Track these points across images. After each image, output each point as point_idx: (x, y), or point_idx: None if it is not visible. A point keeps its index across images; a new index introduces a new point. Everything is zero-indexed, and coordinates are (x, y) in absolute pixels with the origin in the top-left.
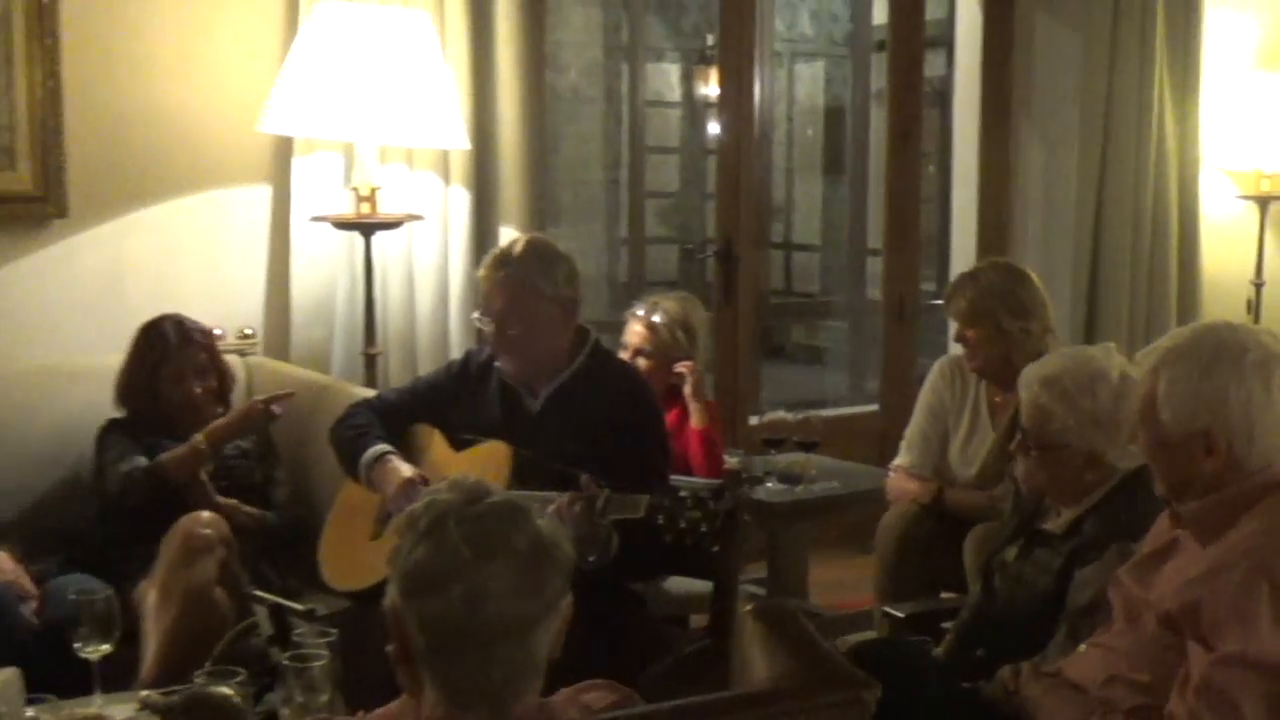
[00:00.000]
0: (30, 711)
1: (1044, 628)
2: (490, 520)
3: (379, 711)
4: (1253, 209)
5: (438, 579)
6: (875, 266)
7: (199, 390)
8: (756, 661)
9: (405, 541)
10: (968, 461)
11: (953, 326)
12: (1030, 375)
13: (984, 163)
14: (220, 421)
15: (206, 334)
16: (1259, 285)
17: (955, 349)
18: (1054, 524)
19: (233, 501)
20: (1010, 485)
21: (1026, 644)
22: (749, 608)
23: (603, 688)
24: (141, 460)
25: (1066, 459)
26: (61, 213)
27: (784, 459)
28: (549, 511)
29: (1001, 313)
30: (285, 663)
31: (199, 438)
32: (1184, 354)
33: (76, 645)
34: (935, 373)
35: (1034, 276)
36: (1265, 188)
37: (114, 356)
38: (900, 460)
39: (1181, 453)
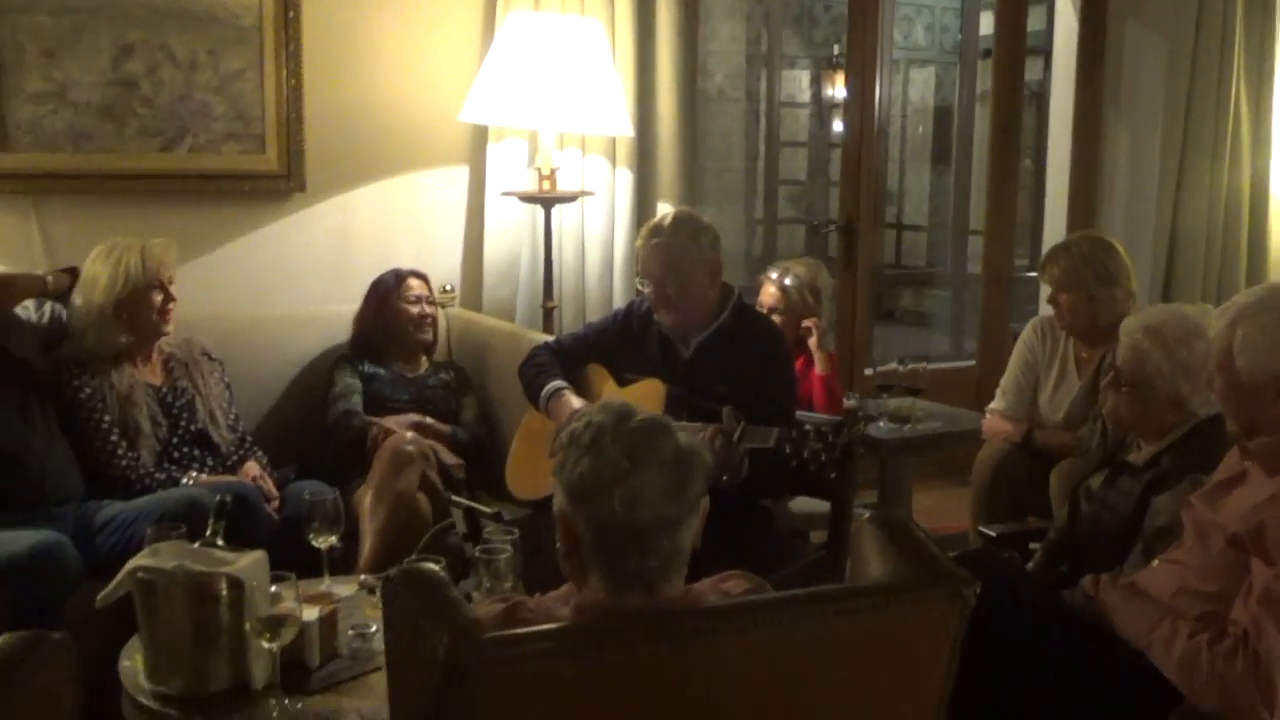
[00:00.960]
0: (274, 586)
1: (1122, 546)
2: (640, 435)
3: (551, 594)
4: None
5: (601, 487)
6: (975, 245)
7: (416, 312)
8: (871, 561)
9: (570, 456)
10: (1055, 407)
11: (1045, 291)
12: (1134, 323)
13: (1075, 156)
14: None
15: (421, 275)
16: None
17: (1046, 311)
18: (1136, 457)
19: (427, 419)
20: (1094, 426)
21: (1106, 560)
22: (868, 515)
23: (739, 577)
24: (358, 400)
25: (1154, 398)
26: (301, 188)
27: (894, 402)
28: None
29: (1091, 280)
30: (477, 555)
31: (405, 432)
32: (1258, 309)
33: (309, 536)
34: (1029, 330)
35: (1120, 248)
36: None
37: (341, 305)
38: (995, 405)
39: (1254, 395)
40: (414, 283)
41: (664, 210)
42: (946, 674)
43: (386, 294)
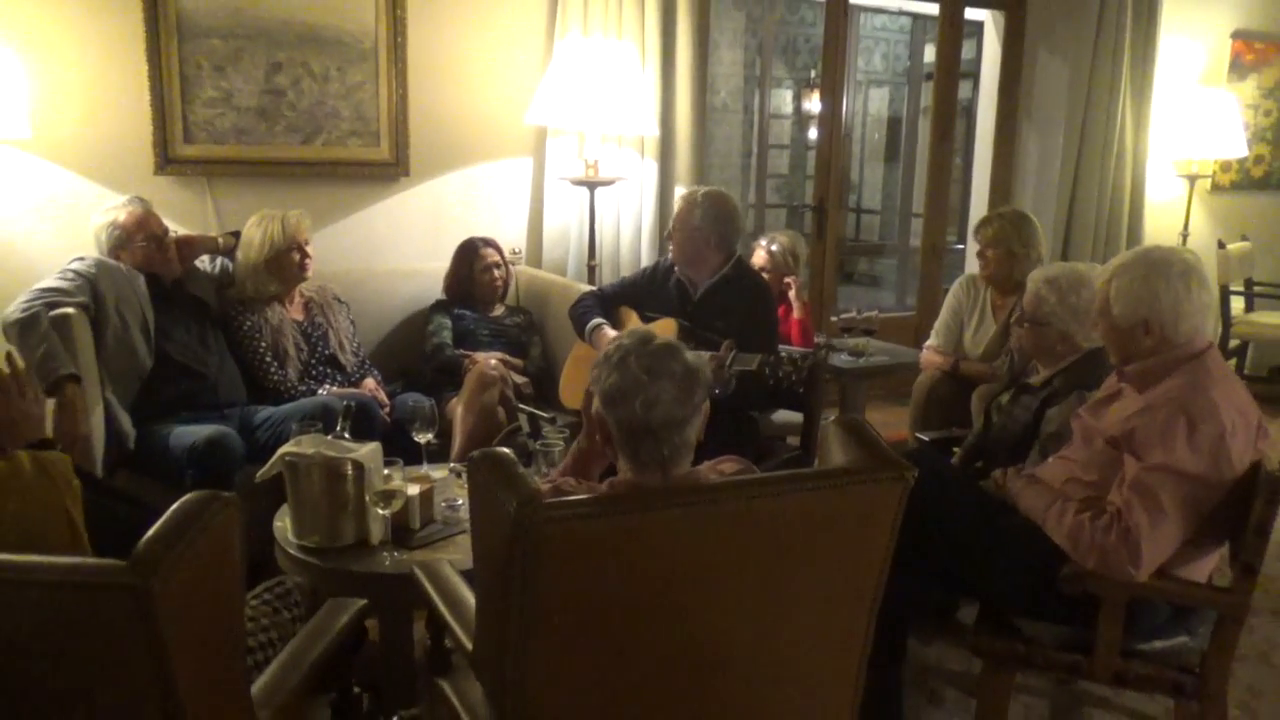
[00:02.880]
0: (386, 469)
1: (1024, 448)
2: (656, 355)
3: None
4: (1184, 184)
5: (625, 394)
6: (916, 224)
7: (488, 277)
8: (835, 453)
9: (603, 370)
10: (976, 344)
11: (974, 249)
12: (1038, 273)
13: (995, 156)
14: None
15: (493, 243)
16: (1184, 236)
17: (971, 270)
18: (1035, 379)
19: (506, 356)
20: (1006, 360)
21: (1011, 458)
22: (832, 418)
23: (732, 460)
24: (448, 335)
25: (1048, 333)
26: (406, 173)
27: (852, 340)
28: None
29: (1014, 240)
30: (537, 448)
31: (484, 367)
32: (1130, 267)
33: (413, 434)
34: (957, 285)
35: (1036, 222)
36: (1194, 169)
37: (434, 263)
38: (930, 343)
39: (1128, 334)
40: (487, 251)
41: (679, 193)
42: (891, 537)
43: (469, 257)
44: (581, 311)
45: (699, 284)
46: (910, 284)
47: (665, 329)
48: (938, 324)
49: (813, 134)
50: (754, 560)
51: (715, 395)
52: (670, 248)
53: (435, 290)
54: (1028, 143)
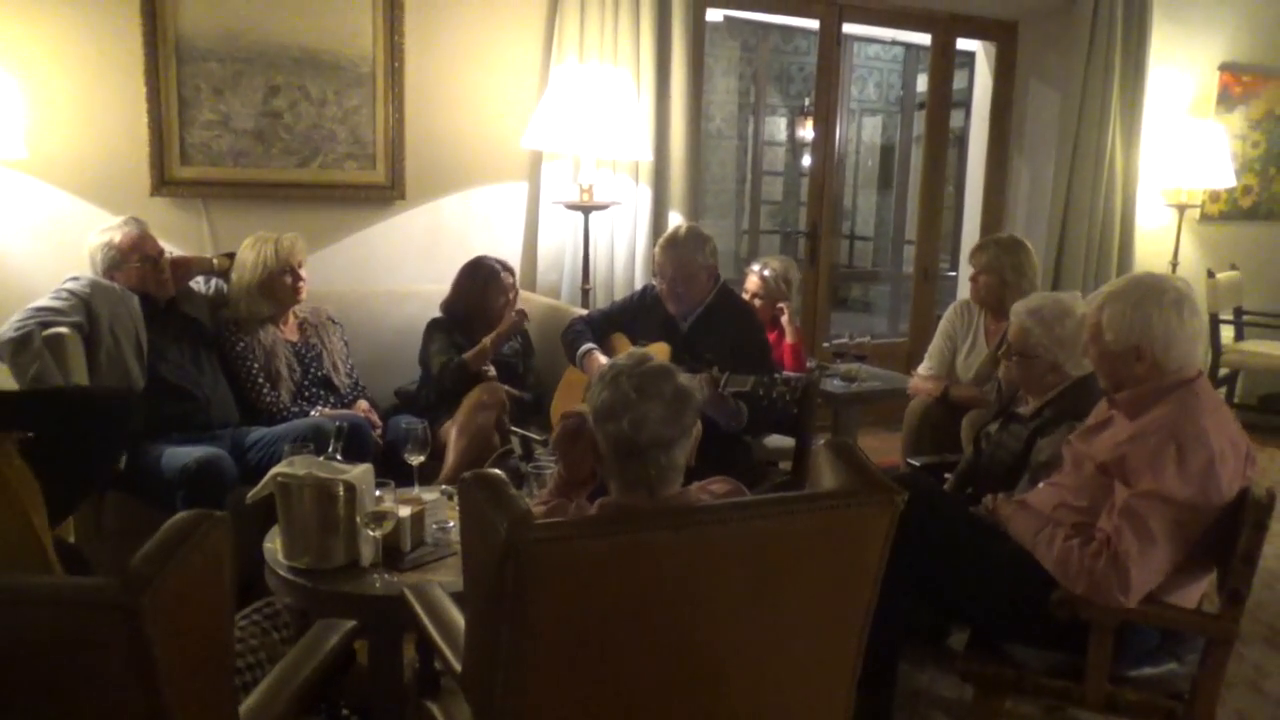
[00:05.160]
0: (378, 491)
1: (1014, 476)
2: (647, 376)
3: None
4: (1173, 213)
5: (614, 411)
6: (909, 251)
7: (508, 300)
8: (826, 476)
9: (596, 388)
10: (968, 368)
11: (967, 272)
12: (1020, 306)
13: (987, 184)
14: (499, 329)
15: (511, 269)
16: (1174, 265)
17: (963, 296)
18: (1024, 409)
19: (505, 387)
20: (995, 385)
21: (1001, 485)
22: (823, 441)
23: (722, 481)
24: (454, 352)
25: (1037, 365)
26: (402, 196)
27: (844, 366)
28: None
29: (1005, 268)
30: (529, 471)
31: (486, 341)
32: (1123, 293)
33: (405, 456)
34: (951, 310)
35: (1031, 251)
36: (1183, 199)
37: (430, 285)
38: (922, 369)
39: (1120, 360)
40: (506, 275)
41: (674, 218)
42: (881, 560)
43: (488, 279)
44: (572, 337)
45: (687, 315)
46: (903, 310)
47: (660, 353)
48: (931, 348)
49: (806, 161)
50: (744, 582)
51: (730, 428)
52: (660, 288)
53: (429, 312)
54: (1019, 170)
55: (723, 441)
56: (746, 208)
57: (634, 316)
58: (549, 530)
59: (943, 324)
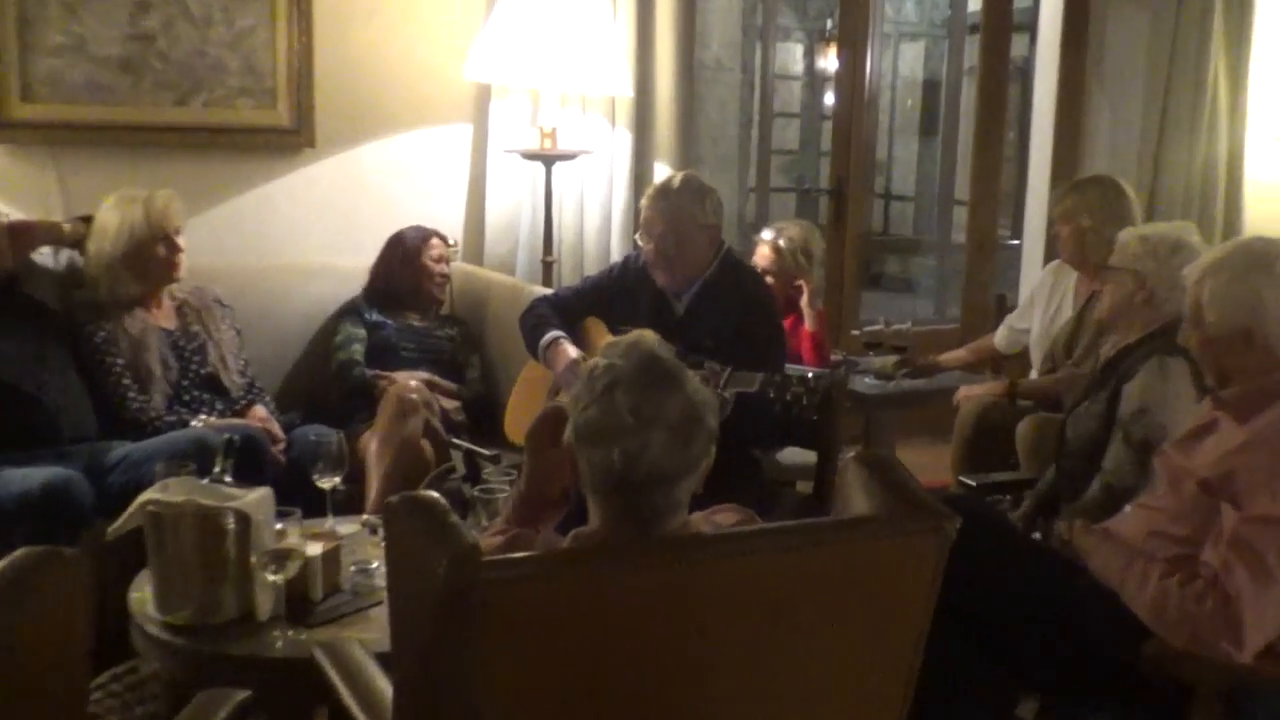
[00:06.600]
0: (279, 523)
1: (1100, 450)
2: (651, 391)
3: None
4: None
5: (604, 436)
6: (960, 214)
7: (437, 270)
8: (856, 499)
9: (584, 395)
10: (1047, 336)
11: (1033, 239)
12: (1129, 231)
13: (1058, 128)
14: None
15: (443, 236)
16: None
17: (1032, 269)
18: (1106, 349)
19: (435, 378)
20: (1071, 371)
21: (1084, 474)
22: (852, 455)
23: (729, 510)
24: (359, 350)
25: (1130, 284)
26: (310, 143)
27: (879, 360)
28: None
29: (1082, 213)
30: (475, 495)
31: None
32: (1226, 264)
33: (315, 477)
34: (1046, 269)
35: (1128, 191)
36: None
37: (347, 257)
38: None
39: (1225, 347)
40: (436, 242)
41: (662, 171)
42: (926, 607)
43: (414, 249)
44: (534, 322)
45: (682, 293)
46: (952, 289)
47: None
48: (1009, 317)
49: (829, 99)
50: (753, 634)
51: None
52: (645, 250)
53: (347, 292)
54: (1099, 110)
55: (726, 457)
56: (753, 159)
57: (612, 297)
58: (503, 569)
59: (1032, 288)
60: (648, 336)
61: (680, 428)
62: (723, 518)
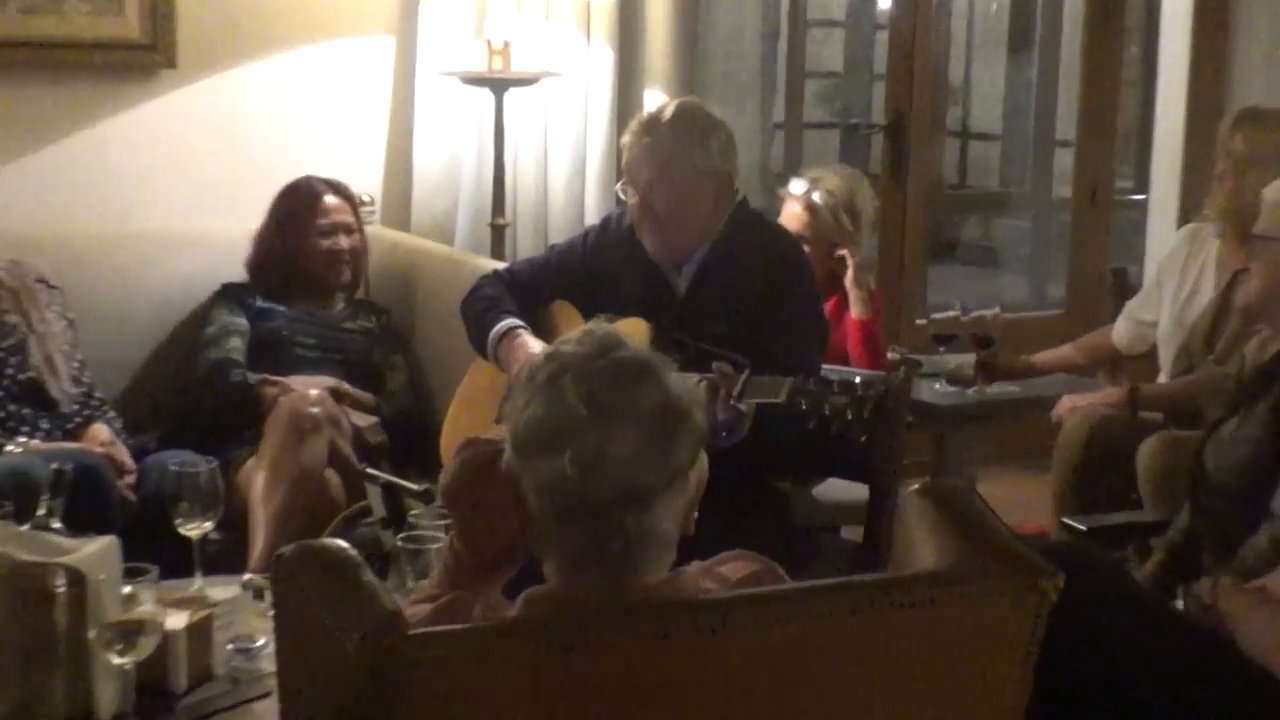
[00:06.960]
0: (127, 585)
1: (1260, 487)
2: (613, 378)
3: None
4: None
5: (549, 439)
6: (1064, 159)
7: (327, 245)
8: (921, 545)
9: (521, 395)
10: (1179, 323)
11: (1166, 189)
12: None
13: (1196, 45)
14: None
15: (342, 188)
16: None
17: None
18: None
19: (344, 385)
20: (1213, 370)
21: (1235, 516)
22: (915, 487)
23: (741, 558)
24: (238, 345)
25: None
26: (170, 63)
27: (955, 359)
28: None
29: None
30: (400, 544)
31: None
32: None
33: (177, 521)
34: (1179, 235)
35: None
36: None
37: (223, 221)
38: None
39: None
40: (330, 202)
41: (655, 100)
42: (1018, 688)
43: (292, 214)
44: (482, 307)
45: (683, 264)
46: (1056, 261)
47: (635, 335)
48: (1131, 303)
49: (884, 4)
50: None
51: (718, 443)
52: (630, 206)
53: (226, 270)
54: (1251, 25)
55: (741, 489)
56: (780, 87)
57: (588, 272)
58: (433, 645)
59: (1162, 260)
60: (629, 329)
61: (655, 421)
62: (731, 569)
